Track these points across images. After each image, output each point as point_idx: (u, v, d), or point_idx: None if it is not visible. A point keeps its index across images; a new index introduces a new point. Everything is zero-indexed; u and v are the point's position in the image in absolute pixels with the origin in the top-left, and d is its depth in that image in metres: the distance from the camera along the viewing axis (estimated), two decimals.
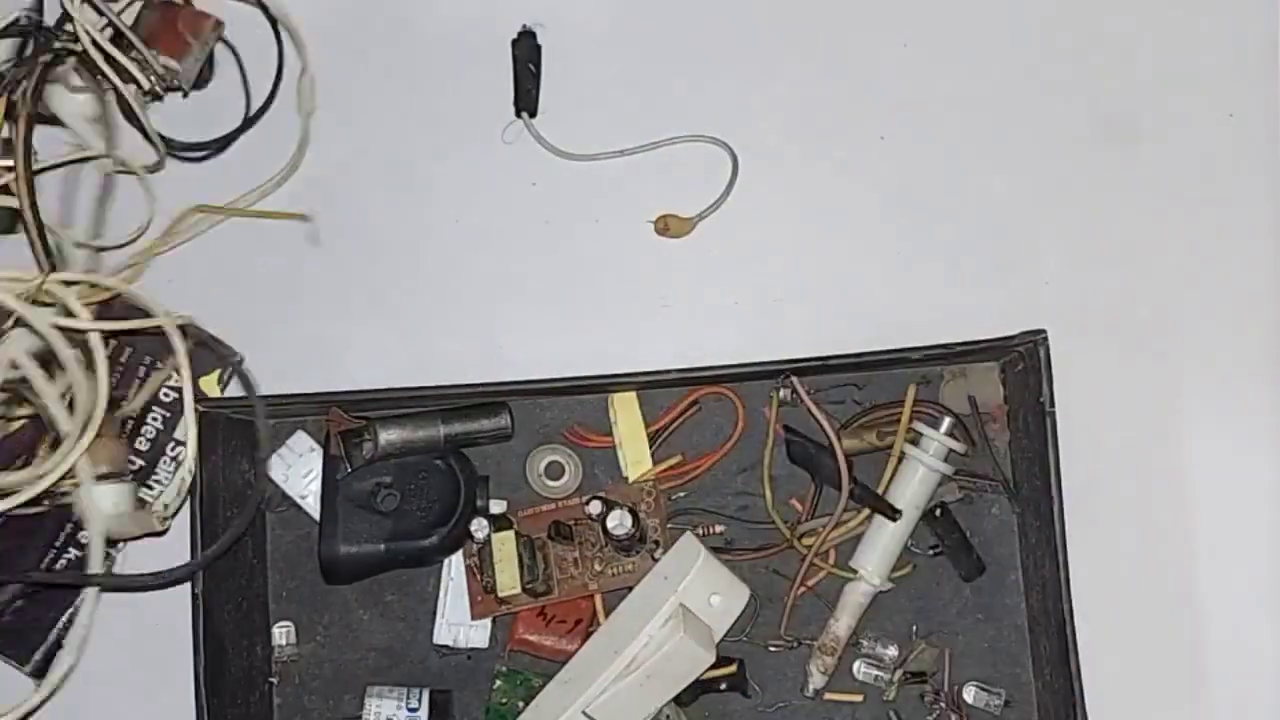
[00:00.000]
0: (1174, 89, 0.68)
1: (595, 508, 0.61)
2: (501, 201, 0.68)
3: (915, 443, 0.63)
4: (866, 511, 0.62)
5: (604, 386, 0.60)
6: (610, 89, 0.68)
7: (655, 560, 0.62)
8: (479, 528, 0.61)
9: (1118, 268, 0.67)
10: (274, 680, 0.65)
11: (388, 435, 0.60)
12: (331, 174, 0.68)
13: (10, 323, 0.59)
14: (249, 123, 0.67)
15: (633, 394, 0.61)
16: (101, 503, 0.59)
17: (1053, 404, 0.57)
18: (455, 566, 0.63)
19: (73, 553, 0.66)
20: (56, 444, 0.59)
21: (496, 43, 0.68)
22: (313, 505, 0.63)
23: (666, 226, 0.66)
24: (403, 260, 0.67)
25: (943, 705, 0.60)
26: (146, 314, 0.60)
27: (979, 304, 0.66)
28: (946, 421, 0.63)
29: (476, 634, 0.63)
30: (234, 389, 0.62)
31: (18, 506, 0.58)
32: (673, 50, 0.69)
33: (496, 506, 0.62)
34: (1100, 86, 0.68)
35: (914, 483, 0.62)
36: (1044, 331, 0.57)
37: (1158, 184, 0.67)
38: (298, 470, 0.63)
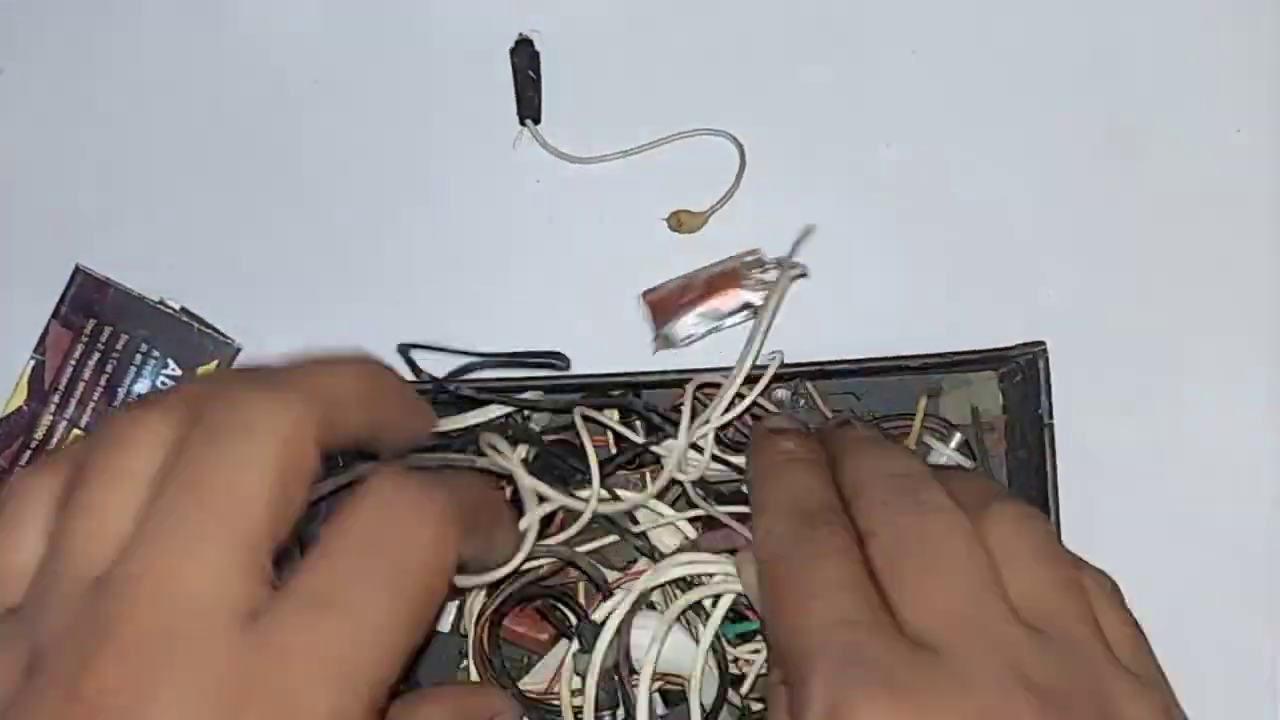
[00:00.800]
0: (1180, 103, 0.68)
1: None
2: (507, 205, 0.68)
3: (924, 458, 0.62)
4: None
5: (600, 385, 0.60)
6: (614, 89, 0.68)
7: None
8: None
9: (1122, 282, 0.67)
10: None
11: None
12: (330, 179, 0.68)
13: None
14: None
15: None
16: None
17: (1051, 415, 0.57)
18: None
19: None
20: None
21: (498, 47, 0.68)
22: None
23: (680, 222, 0.66)
24: (404, 262, 0.67)
25: None
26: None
27: (981, 315, 0.66)
28: (957, 437, 0.62)
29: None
30: None
31: None
32: (676, 51, 0.69)
33: None
34: (1106, 99, 0.68)
35: None
36: (1043, 343, 0.57)
37: (1163, 198, 0.67)
38: None
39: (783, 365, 0.58)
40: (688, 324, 0.65)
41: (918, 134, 0.68)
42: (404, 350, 0.61)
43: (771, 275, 0.63)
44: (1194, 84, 0.68)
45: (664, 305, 0.65)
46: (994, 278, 0.67)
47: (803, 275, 0.62)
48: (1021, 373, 0.60)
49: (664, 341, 0.65)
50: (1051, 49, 0.68)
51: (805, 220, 0.66)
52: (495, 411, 0.58)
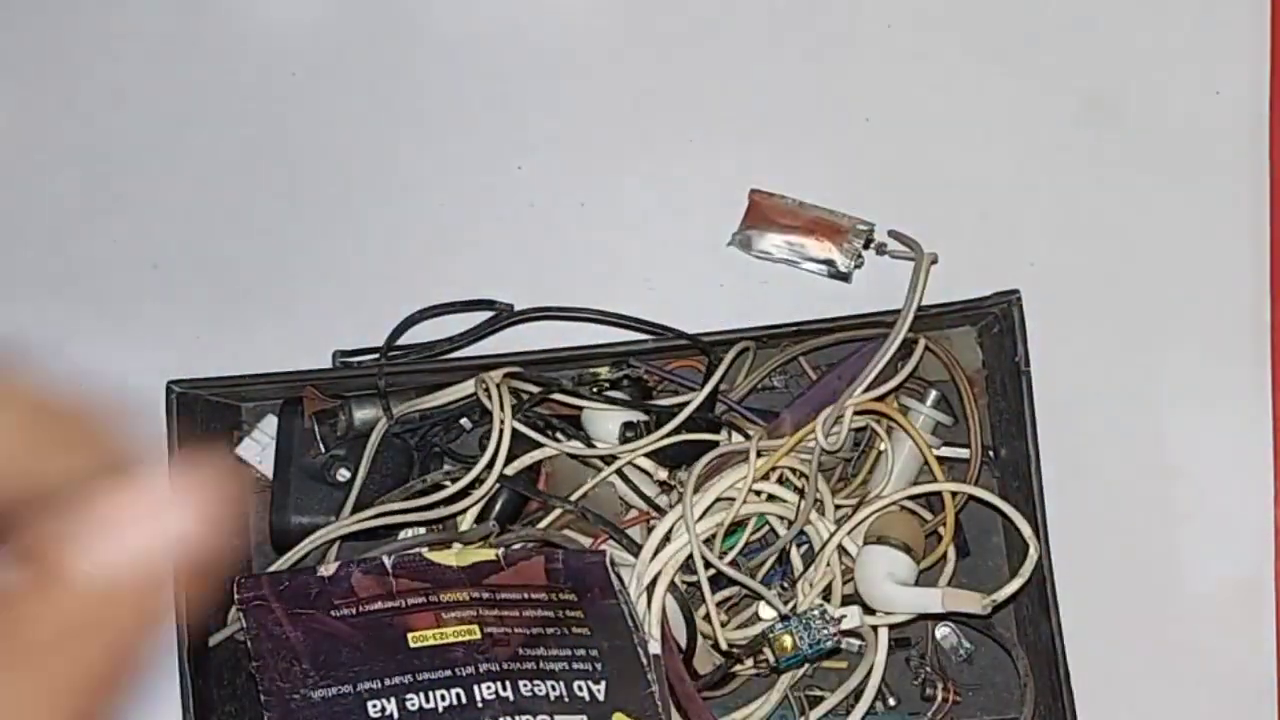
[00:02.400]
0: (1159, 66, 0.68)
1: None
2: (485, 187, 0.68)
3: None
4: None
5: (583, 358, 0.60)
6: (600, 82, 0.69)
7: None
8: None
9: (1101, 245, 0.67)
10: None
11: (362, 414, 0.60)
12: (312, 165, 0.69)
13: None
14: None
15: (606, 368, 0.61)
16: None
17: (1028, 364, 0.57)
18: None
19: None
20: None
21: (482, 44, 0.69)
22: None
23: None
24: (382, 243, 0.68)
25: (928, 670, 0.60)
26: None
27: (962, 276, 0.66)
28: (933, 394, 0.62)
29: None
30: (211, 369, 0.62)
31: None
32: (655, 33, 0.69)
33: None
34: (1084, 63, 0.68)
35: (903, 457, 0.62)
36: (1017, 291, 0.57)
37: (1142, 161, 0.67)
38: (271, 453, 0.63)
39: (771, 326, 0.59)
40: (772, 242, 0.66)
41: (897, 107, 0.68)
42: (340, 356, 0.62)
43: (866, 251, 0.65)
44: (1171, 46, 0.68)
45: (763, 212, 0.66)
46: (974, 241, 0.67)
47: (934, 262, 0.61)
48: (998, 323, 0.59)
49: (742, 243, 0.66)
50: (1027, 15, 0.68)
51: (783, 188, 0.66)
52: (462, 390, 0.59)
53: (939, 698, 0.60)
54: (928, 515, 0.60)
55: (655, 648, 0.53)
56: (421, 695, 0.51)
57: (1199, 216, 0.67)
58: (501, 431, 0.56)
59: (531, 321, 0.64)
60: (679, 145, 0.68)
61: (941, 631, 0.61)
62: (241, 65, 0.69)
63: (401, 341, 0.62)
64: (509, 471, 0.57)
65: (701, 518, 0.55)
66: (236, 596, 0.56)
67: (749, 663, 0.57)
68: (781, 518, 0.58)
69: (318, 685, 0.52)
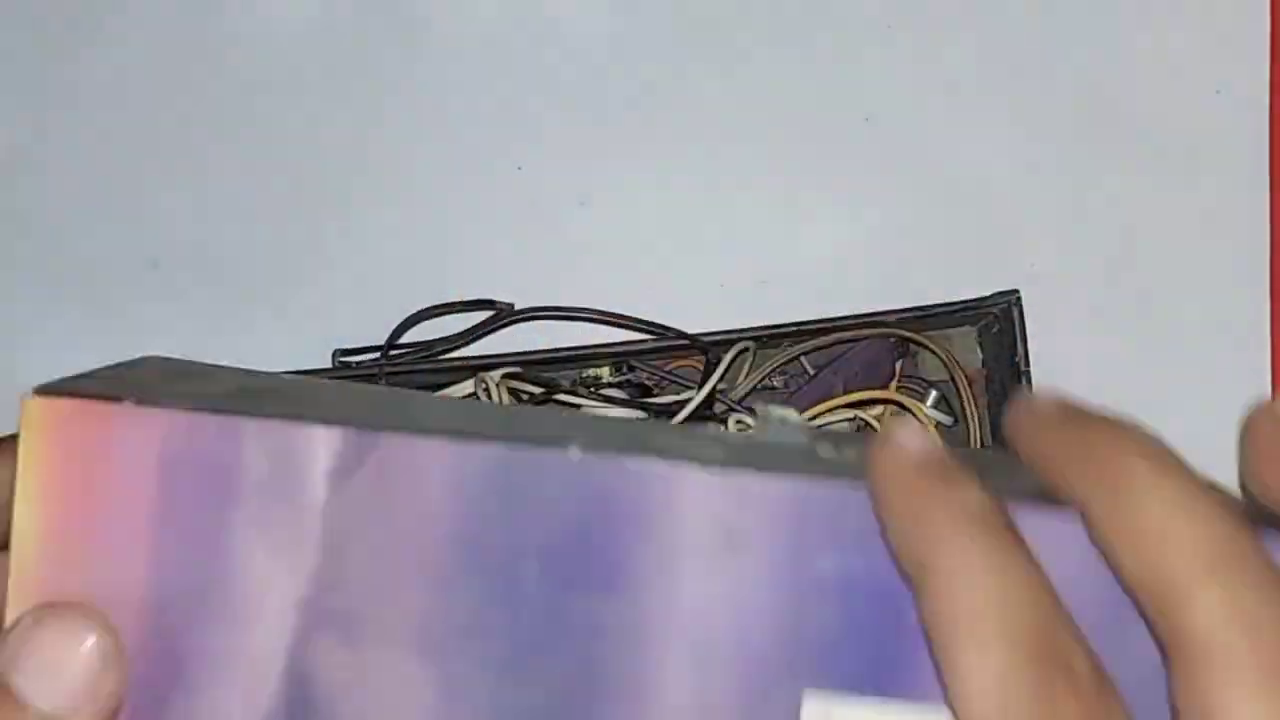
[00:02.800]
0: (1159, 66, 0.68)
1: None
2: (485, 187, 0.68)
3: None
4: None
5: (583, 358, 0.60)
6: (593, 77, 0.69)
7: None
8: None
9: (1101, 245, 0.67)
10: None
11: None
12: (312, 164, 0.69)
13: None
14: None
15: (606, 368, 0.61)
16: None
17: (1028, 364, 0.57)
18: None
19: None
20: None
21: (484, 46, 0.69)
22: None
23: None
24: (382, 243, 0.68)
25: None
26: None
27: (963, 280, 0.66)
28: (933, 395, 0.62)
29: None
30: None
31: None
32: (655, 33, 0.69)
33: None
34: (1085, 63, 0.68)
35: None
36: (1017, 291, 0.57)
37: (1142, 161, 0.67)
38: None
39: (771, 326, 0.59)
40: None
41: (897, 106, 0.68)
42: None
43: None
44: (1171, 46, 0.68)
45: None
46: (977, 244, 0.67)
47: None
48: (998, 323, 0.60)
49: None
50: (1027, 13, 0.68)
51: (785, 203, 0.66)
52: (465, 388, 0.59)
53: None
54: None
55: None
56: None
57: (1199, 217, 0.67)
58: None
59: (531, 321, 0.64)
60: (679, 145, 0.68)
61: None
62: (241, 65, 0.69)
63: (402, 341, 0.62)
64: None
65: None
66: None
67: None
68: None
69: None
